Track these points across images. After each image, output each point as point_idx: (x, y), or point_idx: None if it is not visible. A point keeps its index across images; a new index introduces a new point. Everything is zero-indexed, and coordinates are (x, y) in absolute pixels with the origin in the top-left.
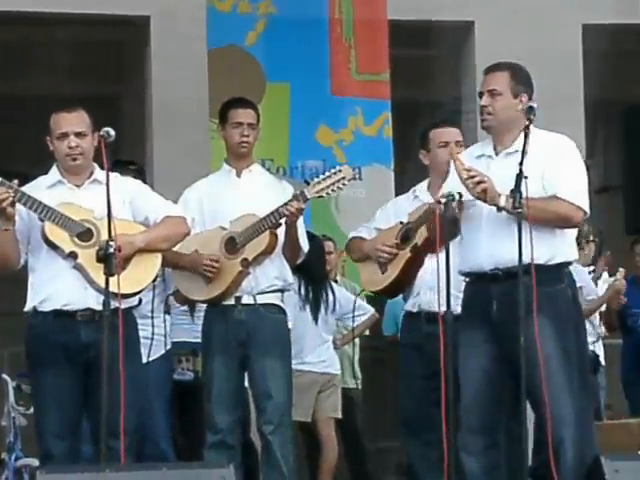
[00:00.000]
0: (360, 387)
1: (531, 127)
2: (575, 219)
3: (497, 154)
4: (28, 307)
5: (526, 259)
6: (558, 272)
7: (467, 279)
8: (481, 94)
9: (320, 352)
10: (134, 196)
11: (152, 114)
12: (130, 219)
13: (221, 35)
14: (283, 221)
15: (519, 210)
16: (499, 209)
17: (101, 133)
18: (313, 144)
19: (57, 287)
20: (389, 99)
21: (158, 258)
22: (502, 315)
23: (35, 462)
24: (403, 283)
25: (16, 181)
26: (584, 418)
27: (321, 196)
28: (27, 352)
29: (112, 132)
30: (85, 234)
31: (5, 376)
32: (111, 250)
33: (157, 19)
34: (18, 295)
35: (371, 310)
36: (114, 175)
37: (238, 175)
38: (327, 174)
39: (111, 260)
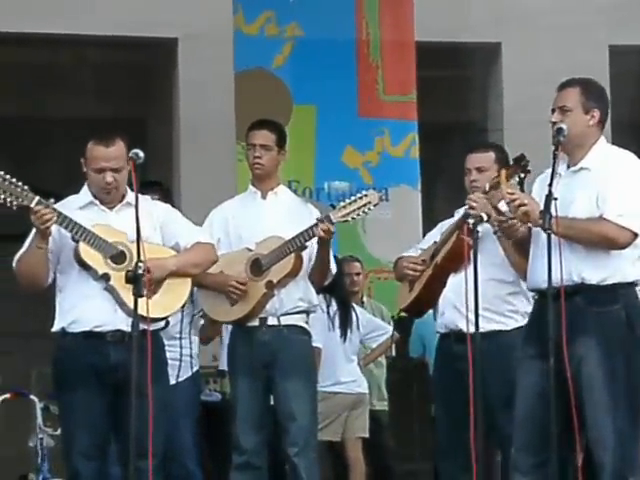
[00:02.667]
0: (387, 408)
1: (602, 143)
2: (621, 240)
3: (568, 170)
4: (57, 328)
5: (577, 279)
6: (612, 293)
7: (535, 296)
8: (553, 111)
9: (350, 371)
10: (165, 221)
11: (179, 136)
12: (160, 243)
13: (248, 58)
14: (309, 244)
15: (549, 231)
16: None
17: (130, 155)
18: (339, 166)
19: (88, 308)
20: (416, 120)
21: (188, 283)
22: (555, 333)
23: None
24: (425, 301)
25: (52, 200)
26: (627, 442)
27: (346, 220)
28: (55, 373)
29: (141, 154)
30: (118, 257)
31: (33, 397)
32: (140, 271)
33: (185, 42)
34: (46, 315)
35: (390, 330)
36: (145, 198)
37: (263, 197)
38: (353, 198)
39: (140, 281)
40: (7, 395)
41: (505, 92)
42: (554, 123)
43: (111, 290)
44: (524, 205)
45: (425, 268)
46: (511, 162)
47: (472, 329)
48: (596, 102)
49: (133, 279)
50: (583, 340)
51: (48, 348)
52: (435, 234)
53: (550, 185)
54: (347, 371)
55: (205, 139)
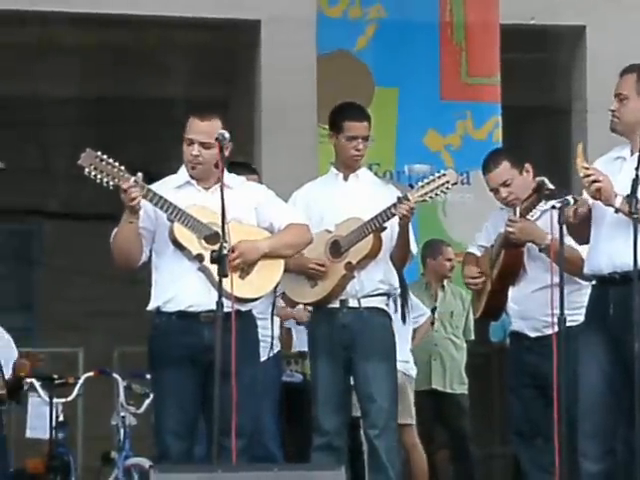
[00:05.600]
0: (467, 392)
1: None
2: None
3: (632, 156)
4: (152, 306)
5: None
6: None
7: (592, 282)
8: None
9: (406, 353)
10: (260, 202)
11: (261, 118)
12: (255, 224)
13: (331, 40)
14: (388, 224)
15: (635, 215)
16: (616, 210)
17: (216, 136)
18: (421, 148)
19: (182, 288)
20: (499, 103)
21: (281, 265)
22: (618, 319)
23: (145, 462)
24: (494, 309)
25: (140, 174)
26: None
27: (425, 200)
28: (150, 351)
29: (227, 135)
30: (212, 237)
31: (116, 375)
32: (225, 251)
33: (267, 24)
34: (127, 295)
35: (428, 312)
36: (241, 180)
37: (345, 179)
38: (431, 178)
39: (224, 261)
40: (90, 373)
41: (589, 75)
42: (612, 110)
43: (204, 270)
44: (598, 182)
45: (485, 279)
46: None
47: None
48: None
49: (218, 259)
50: None
51: (130, 327)
52: (489, 228)
53: (637, 169)
54: (405, 353)
55: (287, 121)
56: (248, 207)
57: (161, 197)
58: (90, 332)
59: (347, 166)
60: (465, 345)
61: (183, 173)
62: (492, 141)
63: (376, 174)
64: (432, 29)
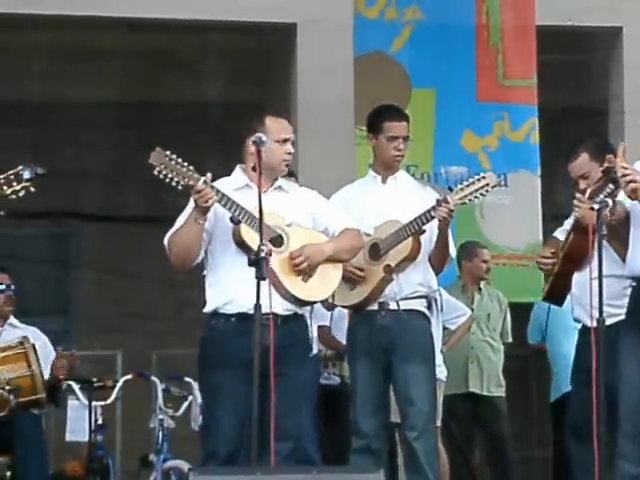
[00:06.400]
0: (504, 395)
1: None
2: None
3: None
4: (209, 308)
5: None
6: None
7: (632, 283)
8: None
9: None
10: (316, 207)
11: (297, 120)
12: (310, 228)
13: (368, 42)
14: (427, 227)
15: None
16: None
17: (253, 139)
18: (458, 150)
19: (243, 290)
20: (536, 104)
21: (340, 269)
22: None
23: (183, 464)
24: (558, 292)
25: (209, 175)
26: None
27: (464, 203)
28: (203, 352)
29: (264, 138)
30: (276, 240)
31: (154, 378)
32: (263, 254)
33: (304, 26)
34: (164, 297)
35: (468, 311)
36: (294, 184)
37: (383, 182)
38: (471, 180)
39: (262, 264)
40: (129, 376)
41: (626, 76)
42: None
43: (269, 273)
44: (635, 182)
45: (555, 261)
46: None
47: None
48: None
49: (255, 262)
50: None
51: (168, 330)
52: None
53: None
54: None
55: (323, 123)
56: (304, 211)
57: (229, 198)
58: (128, 334)
59: (387, 167)
60: (502, 347)
61: (240, 175)
62: (530, 143)
63: (413, 176)
64: (468, 31)
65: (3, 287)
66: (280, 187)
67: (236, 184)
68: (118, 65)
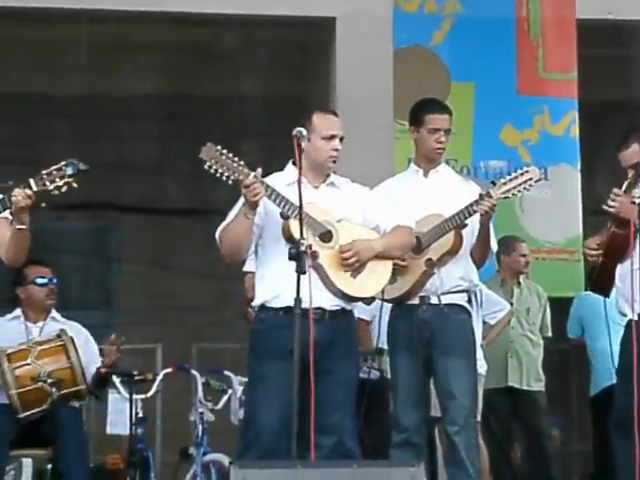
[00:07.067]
0: (544, 389)
1: None
2: None
3: None
4: (258, 301)
5: None
6: None
7: None
8: None
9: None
10: (367, 203)
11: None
12: (360, 225)
13: (407, 35)
14: (469, 221)
15: None
16: None
17: (294, 133)
18: (498, 144)
19: (291, 284)
20: (576, 98)
21: (390, 265)
22: None
23: (223, 458)
24: (604, 283)
25: (259, 170)
26: None
27: (507, 197)
28: (253, 344)
29: (304, 132)
30: (325, 235)
31: (194, 372)
32: (302, 248)
33: (343, 20)
34: (204, 290)
35: (507, 306)
36: (345, 180)
37: (425, 175)
38: (514, 175)
39: (303, 258)
40: (169, 369)
41: None
42: None
43: (318, 268)
44: None
45: (601, 252)
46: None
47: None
48: None
49: (296, 256)
50: None
51: (208, 323)
52: None
53: None
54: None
55: (362, 117)
56: (355, 207)
57: (278, 193)
58: (168, 327)
59: (429, 160)
60: (542, 342)
61: (292, 170)
62: (570, 136)
63: (453, 169)
64: (509, 24)
65: (45, 280)
66: (332, 183)
67: (288, 179)
68: (159, 58)
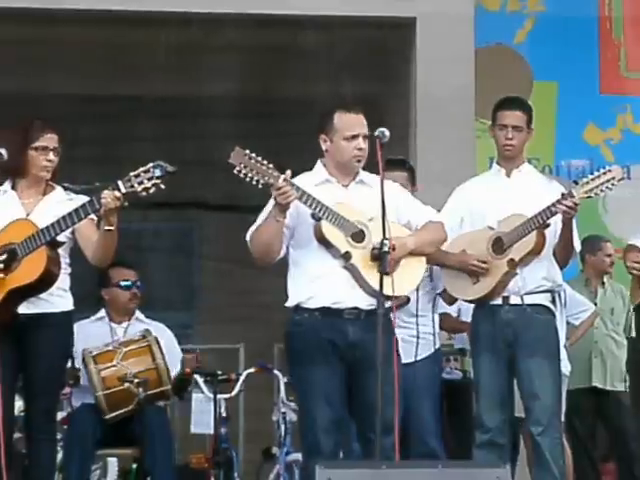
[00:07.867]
0: (628, 390)
1: None
2: None
3: None
4: (291, 303)
5: None
6: None
7: None
8: None
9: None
10: (400, 200)
11: (417, 114)
12: (394, 222)
13: (489, 34)
14: (551, 221)
15: None
16: None
17: (376, 134)
18: (580, 143)
19: (326, 285)
20: None
21: (423, 262)
22: None
23: None
24: None
25: (289, 172)
26: None
27: (589, 196)
28: (290, 348)
29: (387, 132)
30: (358, 235)
31: (276, 372)
32: (386, 248)
33: (423, 20)
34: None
35: (592, 307)
36: (374, 177)
37: (508, 175)
38: (596, 174)
39: (386, 258)
40: (252, 370)
41: None
42: None
43: (351, 268)
44: None
45: None
46: None
47: None
48: None
49: (379, 257)
50: None
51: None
52: None
53: None
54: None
55: (443, 116)
56: (389, 204)
57: (309, 195)
58: (250, 327)
59: (504, 158)
60: (626, 342)
61: (321, 170)
62: None
63: (535, 168)
64: (591, 23)
65: (129, 284)
66: (362, 181)
67: (316, 179)
68: (241, 59)
